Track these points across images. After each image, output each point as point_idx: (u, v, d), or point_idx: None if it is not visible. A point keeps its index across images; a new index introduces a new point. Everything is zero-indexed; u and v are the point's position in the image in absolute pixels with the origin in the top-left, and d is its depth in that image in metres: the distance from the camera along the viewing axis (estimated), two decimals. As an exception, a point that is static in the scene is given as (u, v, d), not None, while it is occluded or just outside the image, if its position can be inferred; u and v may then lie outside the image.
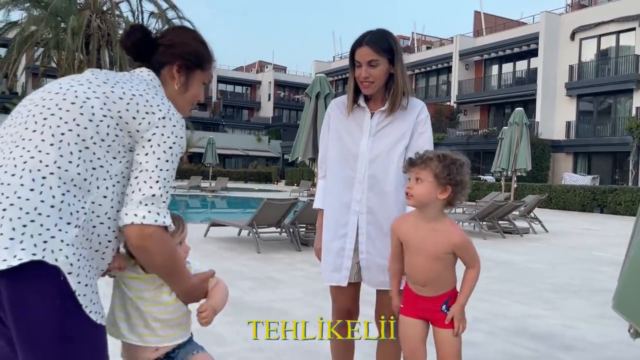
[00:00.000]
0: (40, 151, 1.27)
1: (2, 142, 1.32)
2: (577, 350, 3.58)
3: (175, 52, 1.56)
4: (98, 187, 1.32)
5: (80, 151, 1.29)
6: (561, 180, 25.36)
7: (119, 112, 1.36)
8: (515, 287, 5.54)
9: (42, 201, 1.21)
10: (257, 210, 7.47)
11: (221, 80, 57.41)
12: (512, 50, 31.32)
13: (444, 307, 2.00)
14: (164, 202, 1.36)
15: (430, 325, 2.05)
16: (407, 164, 1.95)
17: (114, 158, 1.35)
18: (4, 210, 1.19)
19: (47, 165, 1.25)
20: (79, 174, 1.29)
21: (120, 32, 24.33)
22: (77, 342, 1.23)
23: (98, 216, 1.33)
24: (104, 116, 1.34)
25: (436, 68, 36.82)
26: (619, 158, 25.62)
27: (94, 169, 1.32)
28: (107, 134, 1.34)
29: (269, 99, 57.92)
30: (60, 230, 1.22)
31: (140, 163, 1.36)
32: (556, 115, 28.66)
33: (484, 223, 10.77)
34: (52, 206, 1.22)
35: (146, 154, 1.36)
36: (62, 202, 1.24)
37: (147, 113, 1.38)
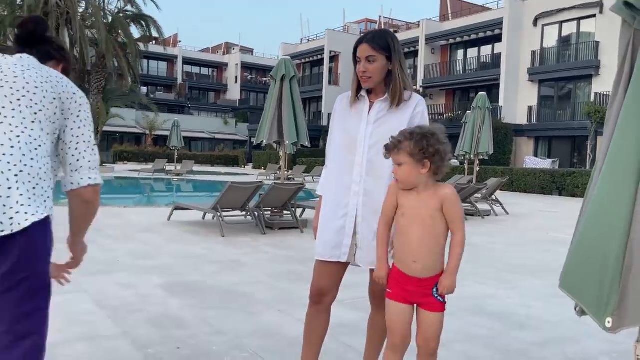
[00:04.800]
0: (26, 127, 1.57)
1: None
2: (532, 328, 3.70)
3: (64, 55, 1.89)
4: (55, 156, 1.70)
5: (48, 127, 1.63)
6: (523, 164, 25.99)
7: (59, 93, 1.67)
8: (475, 268, 5.68)
9: (40, 169, 1.56)
10: (221, 194, 7.40)
11: (187, 61, 56.29)
12: (477, 35, 31.69)
13: (434, 290, 2.02)
14: (98, 160, 1.75)
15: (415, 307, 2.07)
16: (384, 151, 2.08)
17: (55, 134, 1.67)
18: (16, 175, 1.50)
19: (35, 139, 1.58)
20: (51, 145, 1.65)
21: (81, 10, 23.59)
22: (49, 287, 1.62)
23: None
24: (54, 99, 1.65)
25: (403, 52, 36.96)
26: (578, 142, 26.41)
27: (52, 142, 1.66)
28: (54, 113, 1.65)
29: (236, 82, 57.15)
30: (50, 191, 1.62)
31: (78, 136, 1.69)
32: (519, 100, 29.24)
33: (448, 206, 10.96)
34: (46, 172, 1.59)
35: (79, 128, 1.70)
36: (48, 170, 1.61)
37: (73, 93, 1.71)
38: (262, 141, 8.57)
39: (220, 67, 58.97)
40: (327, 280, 2.36)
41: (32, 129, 1.57)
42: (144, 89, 48.97)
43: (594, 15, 25.89)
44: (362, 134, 2.32)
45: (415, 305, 2.07)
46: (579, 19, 26.88)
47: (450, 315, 3.95)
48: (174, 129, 26.96)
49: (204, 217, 8.73)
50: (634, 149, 1.62)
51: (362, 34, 2.38)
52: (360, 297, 3.86)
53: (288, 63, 8.49)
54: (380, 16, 44.68)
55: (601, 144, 1.84)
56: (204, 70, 58.73)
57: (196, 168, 30.04)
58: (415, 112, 2.33)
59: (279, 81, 8.35)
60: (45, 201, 1.56)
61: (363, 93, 2.35)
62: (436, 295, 2.04)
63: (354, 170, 2.32)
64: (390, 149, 2.02)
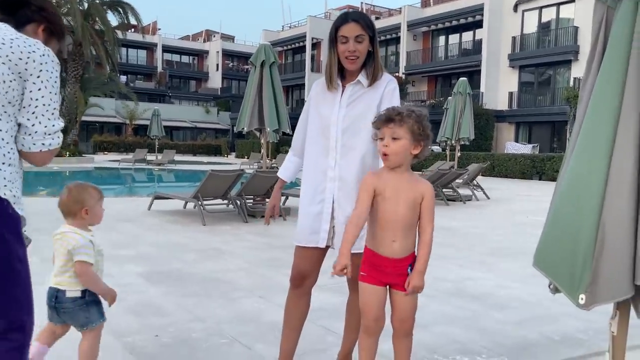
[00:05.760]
0: None
1: None
2: (510, 308, 3.75)
3: (45, 15, 1.77)
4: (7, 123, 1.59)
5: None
6: (504, 149, 26.23)
7: (7, 56, 1.53)
8: (455, 251, 5.72)
9: None
10: (202, 182, 7.33)
11: (166, 49, 55.48)
12: (459, 22, 31.72)
13: (409, 269, 2.02)
14: (60, 126, 1.66)
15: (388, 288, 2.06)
16: (382, 119, 2.00)
17: (9, 102, 1.56)
18: None
19: None
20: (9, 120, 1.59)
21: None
22: (25, 261, 1.59)
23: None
24: (2, 63, 1.53)
25: (385, 39, 36.86)
26: (558, 127, 26.71)
27: (5, 112, 1.56)
28: (4, 81, 1.53)
29: (217, 69, 56.54)
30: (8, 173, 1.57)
31: (37, 99, 1.59)
32: (500, 85, 29.43)
33: (429, 191, 11.03)
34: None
35: (39, 90, 1.59)
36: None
37: (31, 52, 1.57)
38: (244, 129, 8.50)
39: (201, 54, 58.25)
40: (307, 264, 2.37)
41: None
42: (123, 78, 48.18)
43: (573, 1, 26.09)
44: (334, 118, 2.30)
45: (388, 287, 2.06)
46: (558, 5, 27.06)
47: (430, 297, 3.99)
48: (154, 118, 26.60)
49: (185, 206, 8.66)
50: (605, 128, 1.62)
51: (339, 15, 2.32)
52: (340, 281, 3.87)
53: (267, 48, 8.41)
54: (362, 2, 44.49)
55: (574, 123, 1.85)
56: (185, 58, 57.95)
57: (178, 157, 29.78)
58: (386, 90, 2.31)
59: (259, 67, 8.27)
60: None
61: (338, 77, 2.31)
62: (410, 273, 2.03)
63: (329, 155, 2.31)
64: (394, 119, 1.95)
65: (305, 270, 2.37)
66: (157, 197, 8.36)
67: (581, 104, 1.84)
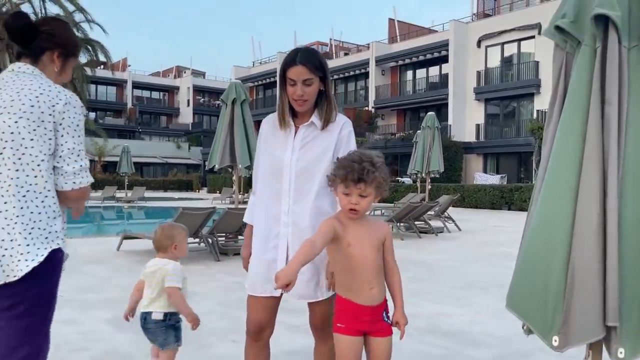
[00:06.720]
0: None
1: None
2: (485, 345, 3.74)
3: (56, 41, 1.89)
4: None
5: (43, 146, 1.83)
6: (473, 180, 26.72)
7: (39, 117, 1.74)
8: (429, 286, 5.72)
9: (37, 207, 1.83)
10: (173, 221, 7.20)
11: (137, 85, 55.29)
12: (425, 57, 32.63)
13: (384, 315, 2.03)
14: (85, 165, 1.86)
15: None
16: (352, 178, 1.91)
17: (52, 155, 1.82)
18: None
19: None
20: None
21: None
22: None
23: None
24: (38, 127, 1.76)
25: (354, 74, 37.60)
26: (524, 157, 27.41)
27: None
28: (50, 138, 1.79)
29: (188, 105, 56.51)
30: (53, 223, 1.82)
31: (62, 145, 1.80)
32: (467, 118, 30.18)
33: (401, 224, 11.09)
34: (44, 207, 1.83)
35: (62, 136, 1.80)
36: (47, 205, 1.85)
37: (54, 105, 1.77)
38: (215, 165, 8.45)
39: (172, 90, 58.22)
40: (264, 314, 2.26)
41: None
42: (92, 115, 47.70)
43: (533, 37, 27.18)
44: (287, 161, 2.20)
45: (364, 335, 2.04)
46: (519, 40, 28.15)
47: (405, 336, 3.94)
48: (123, 154, 26.28)
49: (155, 245, 8.47)
50: (569, 171, 1.66)
51: (289, 52, 2.21)
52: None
53: (238, 86, 8.46)
54: (330, 39, 45.41)
55: (540, 165, 1.89)
56: (155, 94, 57.81)
57: (148, 194, 29.34)
58: (341, 135, 2.23)
59: (230, 105, 8.30)
60: (46, 238, 1.75)
61: (289, 118, 2.23)
62: (386, 319, 2.05)
63: (282, 200, 2.21)
64: (363, 180, 1.91)
65: (262, 321, 2.25)
66: (127, 237, 8.17)
67: (546, 145, 1.89)
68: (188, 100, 56.55)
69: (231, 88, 8.44)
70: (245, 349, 2.33)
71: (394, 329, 2.07)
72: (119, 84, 53.81)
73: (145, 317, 2.66)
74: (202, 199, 27.30)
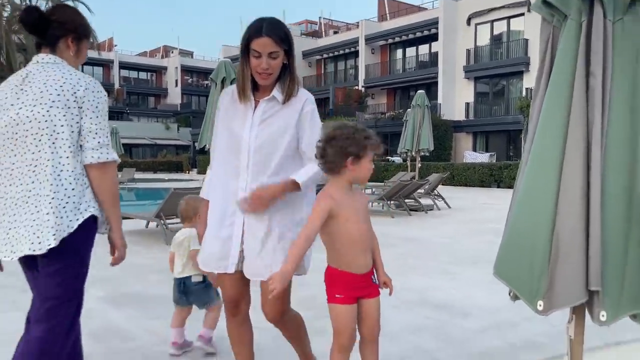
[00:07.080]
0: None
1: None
2: (474, 316, 3.84)
3: (67, 27, 2.07)
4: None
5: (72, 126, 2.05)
6: (462, 159, 26.88)
7: (66, 104, 1.96)
8: (419, 261, 5.82)
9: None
10: (164, 201, 7.23)
11: (123, 66, 54.56)
12: (415, 35, 32.50)
13: (374, 277, 2.14)
14: (104, 142, 2.03)
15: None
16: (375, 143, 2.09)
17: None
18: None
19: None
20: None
21: (6, 15, 22.38)
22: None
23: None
24: (67, 113, 1.98)
25: (344, 52, 37.39)
26: (513, 136, 27.60)
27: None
28: (76, 122, 2.01)
29: (177, 85, 55.92)
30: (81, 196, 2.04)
31: (84, 124, 1.99)
32: (456, 96, 30.23)
33: (392, 202, 11.19)
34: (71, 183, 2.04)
35: (83, 117, 1.99)
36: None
37: (75, 91, 1.97)
38: (205, 145, 8.44)
39: (159, 70, 57.53)
40: (233, 290, 2.24)
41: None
42: (79, 96, 47.05)
43: (522, 14, 27.13)
44: (246, 137, 2.12)
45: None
46: (509, 18, 28.08)
47: (397, 308, 4.05)
48: (112, 136, 26.06)
49: (147, 226, 8.49)
50: (555, 143, 1.71)
51: (254, 22, 2.08)
52: (307, 297, 3.88)
53: (228, 65, 8.41)
54: (320, 17, 45.04)
55: (526, 137, 1.94)
56: (142, 75, 57.10)
57: (138, 175, 29.17)
58: (304, 112, 2.15)
59: (220, 84, 8.25)
60: (77, 209, 1.99)
61: (250, 92, 2.13)
62: (375, 280, 2.15)
63: (240, 176, 2.14)
64: (374, 150, 2.06)
65: (234, 296, 2.25)
66: (118, 218, 8.16)
67: (532, 120, 1.93)
68: (176, 81, 55.95)
69: (220, 67, 8.39)
70: (226, 325, 2.35)
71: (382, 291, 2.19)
72: (106, 65, 53.04)
73: (185, 282, 2.94)
74: (192, 180, 27.24)
